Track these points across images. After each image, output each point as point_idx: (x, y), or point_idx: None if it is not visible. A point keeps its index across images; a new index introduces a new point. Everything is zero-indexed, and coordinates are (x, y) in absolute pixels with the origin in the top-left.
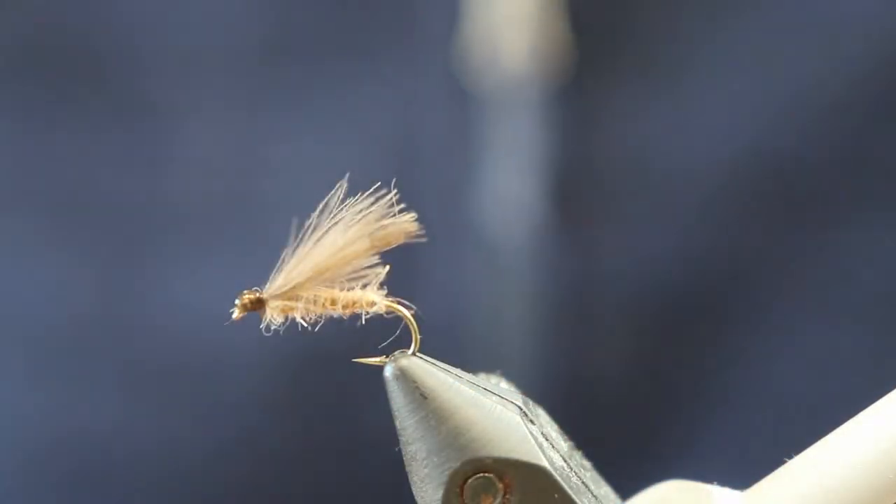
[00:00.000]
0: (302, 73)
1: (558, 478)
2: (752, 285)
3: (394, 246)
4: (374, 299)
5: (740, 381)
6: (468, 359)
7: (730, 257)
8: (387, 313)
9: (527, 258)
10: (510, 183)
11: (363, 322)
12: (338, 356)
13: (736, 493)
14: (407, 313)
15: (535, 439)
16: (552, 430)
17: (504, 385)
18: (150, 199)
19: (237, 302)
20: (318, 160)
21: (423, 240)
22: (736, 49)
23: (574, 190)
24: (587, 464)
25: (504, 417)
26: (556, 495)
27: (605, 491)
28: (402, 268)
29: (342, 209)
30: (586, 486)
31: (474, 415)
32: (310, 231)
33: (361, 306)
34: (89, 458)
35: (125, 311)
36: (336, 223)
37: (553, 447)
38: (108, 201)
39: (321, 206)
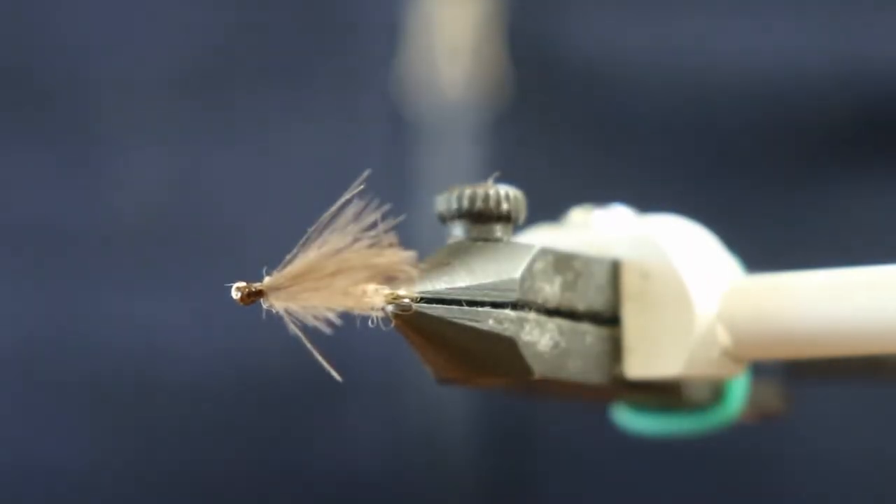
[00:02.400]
0: (241, 99)
1: (546, 373)
2: None
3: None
4: (376, 303)
5: None
6: (405, 400)
7: None
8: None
9: None
10: None
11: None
12: (292, 378)
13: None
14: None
15: (527, 348)
16: (546, 271)
17: (504, 240)
18: (93, 223)
19: (237, 293)
20: (256, 185)
21: (417, 273)
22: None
23: None
24: (594, 270)
25: (499, 340)
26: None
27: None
28: None
29: (347, 224)
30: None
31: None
32: (315, 234)
33: (363, 310)
34: (34, 483)
35: (69, 334)
36: (336, 242)
37: (546, 313)
38: (51, 226)
39: (326, 216)
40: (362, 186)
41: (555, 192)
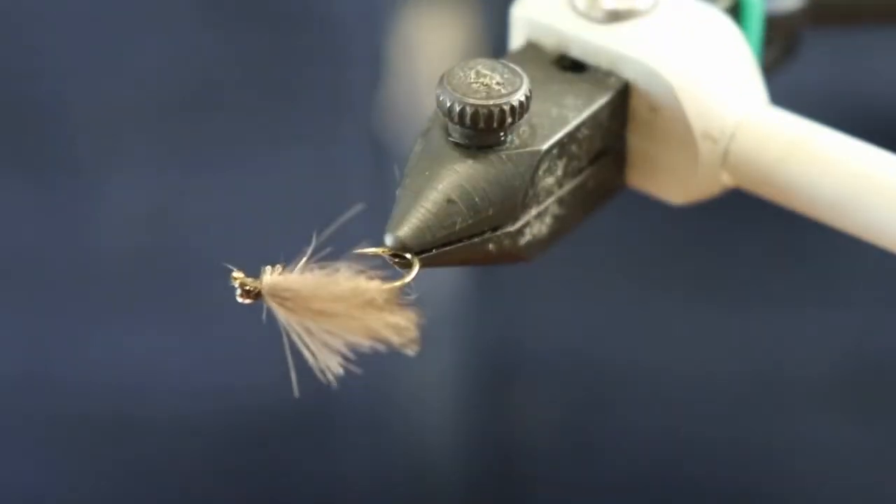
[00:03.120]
0: (223, 128)
1: (545, 249)
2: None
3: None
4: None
5: None
6: (392, 435)
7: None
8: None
9: (449, 325)
10: None
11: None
12: (277, 413)
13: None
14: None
15: (528, 245)
16: (551, 165)
17: (508, 146)
18: (74, 255)
19: (238, 287)
20: (239, 214)
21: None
22: None
23: None
24: (600, 116)
25: (500, 252)
26: None
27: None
28: None
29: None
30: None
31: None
32: (322, 261)
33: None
34: None
35: (49, 369)
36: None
37: (548, 194)
38: (30, 259)
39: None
40: (363, 207)
41: None
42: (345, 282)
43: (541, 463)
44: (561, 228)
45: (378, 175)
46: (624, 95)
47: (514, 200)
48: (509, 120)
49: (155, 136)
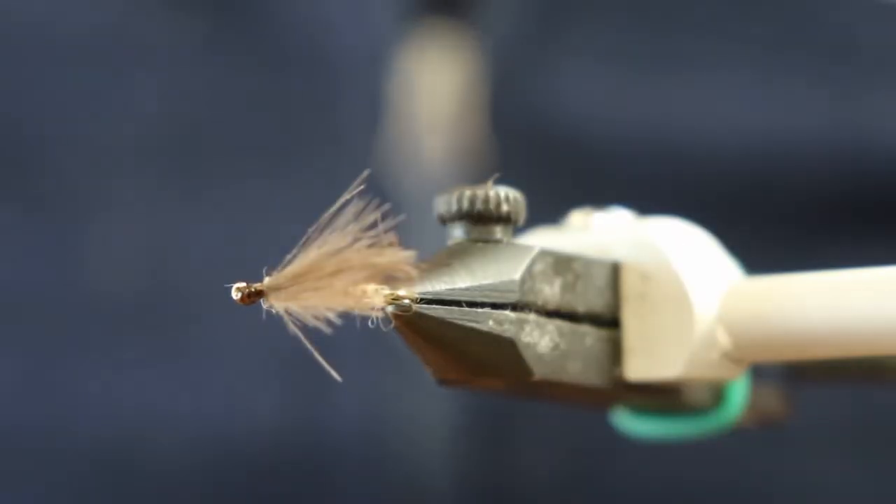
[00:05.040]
0: (220, 169)
1: (546, 375)
2: None
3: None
4: (376, 302)
5: None
6: (386, 473)
7: None
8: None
9: None
10: None
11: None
12: (273, 455)
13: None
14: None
15: (528, 350)
16: (546, 272)
17: (504, 241)
18: (68, 295)
19: (238, 293)
20: (235, 255)
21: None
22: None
23: None
24: (594, 272)
25: (499, 341)
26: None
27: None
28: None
29: (347, 226)
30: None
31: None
32: (316, 233)
33: (362, 309)
34: None
35: (42, 412)
36: (336, 248)
37: (546, 315)
38: (24, 299)
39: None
40: (362, 187)
41: None
42: (339, 250)
43: (544, 495)
44: (564, 370)
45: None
46: (615, 272)
47: (512, 278)
48: (504, 208)
49: (151, 176)
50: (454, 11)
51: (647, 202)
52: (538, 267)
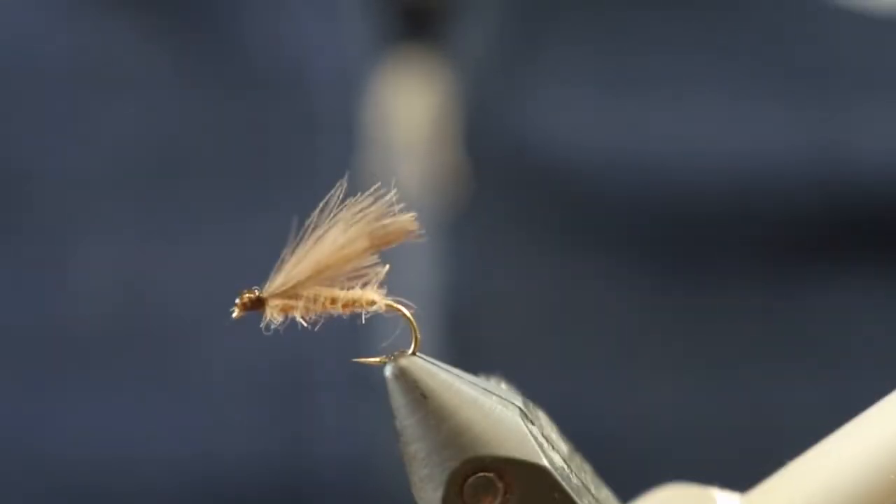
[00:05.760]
0: (196, 196)
1: (558, 477)
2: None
3: (393, 245)
4: (374, 298)
5: None
6: (368, 498)
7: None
8: (386, 313)
9: None
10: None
11: (363, 322)
12: (253, 486)
13: (736, 495)
14: (407, 312)
15: (536, 439)
16: (552, 431)
17: (504, 386)
18: (42, 326)
19: (237, 301)
20: (214, 285)
21: (423, 239)
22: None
23: (470, 321)
24: (587, 467)
25: (504, 417)
26: (556, 495)
27: (605, 494)
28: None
29: (341, 208)
30: (587, 488)
31: (474, 414)
32: (309, 230)
33: (361, 305)
34: None
35: (25, 441)
36: (336, 222)
37: (553, 448)
38: (2, 329)
39: (321, 205)
40: (345, 184)
41: (514, 289)
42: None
43: None
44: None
45: None
46: None
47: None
48: None
49: (128, 204)
50: (428, 37)
51: (622, 224)
52: (530, 418)
